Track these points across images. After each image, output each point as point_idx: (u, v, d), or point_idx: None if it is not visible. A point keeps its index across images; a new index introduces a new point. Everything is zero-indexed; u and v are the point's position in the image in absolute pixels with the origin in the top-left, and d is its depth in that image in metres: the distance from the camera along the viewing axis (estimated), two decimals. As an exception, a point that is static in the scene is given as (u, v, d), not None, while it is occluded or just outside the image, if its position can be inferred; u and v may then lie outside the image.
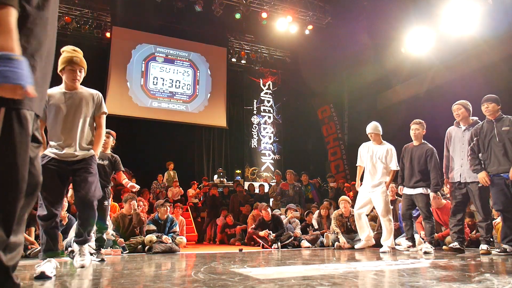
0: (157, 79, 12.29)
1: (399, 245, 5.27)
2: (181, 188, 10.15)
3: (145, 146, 11.24)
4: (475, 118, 4.47)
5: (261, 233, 6.36)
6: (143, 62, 12.13)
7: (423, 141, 4.87)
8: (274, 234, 6.26)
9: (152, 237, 5.24)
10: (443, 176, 4.64)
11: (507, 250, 3.91)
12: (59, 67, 2.82)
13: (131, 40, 12.01)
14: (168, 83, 12.45)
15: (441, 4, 9.60)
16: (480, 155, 4.13)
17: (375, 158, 5.05)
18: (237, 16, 11.35)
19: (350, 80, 13.66)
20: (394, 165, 4.98)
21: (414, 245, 4.87)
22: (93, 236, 3.36)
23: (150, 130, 11.72)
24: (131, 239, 5.36)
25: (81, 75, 2.89)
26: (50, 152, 2.79)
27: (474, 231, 5.54)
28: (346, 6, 11.76)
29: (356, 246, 5.30)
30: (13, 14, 1.04)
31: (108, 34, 11.66)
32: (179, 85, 12.61)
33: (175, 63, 12.69)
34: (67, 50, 2.81)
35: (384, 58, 12.18)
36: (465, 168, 4.29)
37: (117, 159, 4.31)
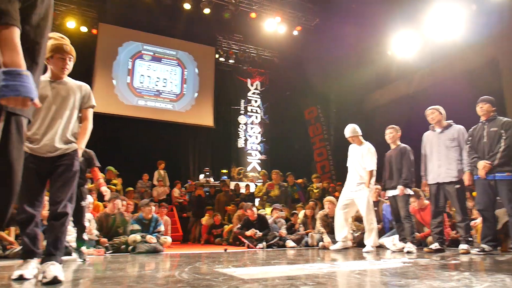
0: (144, 77, 12.17)
1: (383, 245, 5.34)
2: (166, 188, 10.08)
3: (130, 145, 11.11)
4: (450, 121, 4.62)
5: (248, 233, 6.36)
6: (130, 60, 12.00)
7: (398, 143, 5.00)
8: (260, 233, 6.27)
9: (136, 237, 5.18)
10: (415, 175, 4.80)
11: (486, 249, 4.01)
12: (46, 55, 2.58)
13: (118, 37, 11.87)
14: (155, 81, 12.35)
15: (426, 9, 9.77)
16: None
17: (355, 159, 5.13)
18: (226, 15, 11.32)
19: (337, 82, 13.76)
20: (369, 165, 5.02)
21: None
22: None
23: (136, 128, 11.58)
24: (115, 239, 5.29)
25: (71, 64, 2.71)
26: (27, 147, 2.52)
27: (455, 231, 5.65)
28: (335, 8, 11.84)
29: (331, 247, 5.24)
30: (17, 33, 1.17)
31: (94, 31, 11.49)
32: (166, 84, 12.51)
33: (163, 61, 12.59)
34: (55, 37, 2.63)
35: (371, 60, 12.32)
36: (443, 170, 4.41)
37: (91, 154, 4.17)
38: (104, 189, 3.92)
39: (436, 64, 10.84)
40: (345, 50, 12.38)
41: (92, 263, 3.62)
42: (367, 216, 4.94)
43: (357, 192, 5.02)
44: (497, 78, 9.45)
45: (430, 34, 9.97)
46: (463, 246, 4.24)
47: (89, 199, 5.46)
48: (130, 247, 5.15)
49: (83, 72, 9.97)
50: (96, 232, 5.12)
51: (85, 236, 4.12)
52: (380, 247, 5.33)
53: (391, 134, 5.01)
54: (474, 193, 6.53)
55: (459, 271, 2.64)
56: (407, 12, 10.19)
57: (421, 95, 10.96)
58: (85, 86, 2.85)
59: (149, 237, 5.23)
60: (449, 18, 9.38)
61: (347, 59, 12.71)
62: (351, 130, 5.26)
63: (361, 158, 5.07)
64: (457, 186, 4.27)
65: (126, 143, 11.05)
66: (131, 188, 8.62)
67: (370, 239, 4.88)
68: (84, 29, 11.31)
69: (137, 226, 5.40)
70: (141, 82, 12.07)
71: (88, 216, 5.27)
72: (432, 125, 4.66)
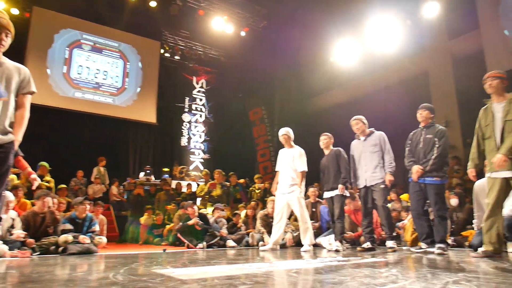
0: (82, 68, 11.49)
1: (319, 244, 5.55)
2: (103, 186, 9.62)
3: (65, 140, 10.43)
4: (371, 129, 5.00)
5: (191, 222, 6.27)
6: (67, 48, 11.27)
7: (331, 147, 5.29)
8: (201, 222, 6.25)
9: (68, 237, 4.86)
10: (353, 178, 5.07)
11: (422, 247, 4.32)
12: None
13: (54, 23, 11.09)
14: (95, 73, 11.72)
15: (366, 21, 10.35)
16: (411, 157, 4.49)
17: (286, 162, 5.28)
18: (173, 10, 11.04)
19: (282, 84, 14.08)
20: (300, 167, 5.17)
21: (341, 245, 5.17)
22: None
23: (72, 122, 10.90)
24: (43, 240, 4.92)
25: (8, 41, 2.40)
26: None
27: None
28: (282, 12, 12.10)
29: (260, 249, 5.31)
30: None
31: (27, 14, 10.62)
32: (106, 76, 11.93)
33: (104, 52, 11.99)
34: None
35: (315, 65, 12.76)
36: (368, 174, 4.75)
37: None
38: (34, 176, 3.62)
39: (375, 73, 11.53)
40: (291, 54, 12.71)
41: (16, 266, 3.34)
42: (301, 216, 5.07)
43: (290, 194, 5.14)
44: (427, 89, 10.28)
45: (370, 44, 10.58)
46: (389, 244, 4.55)
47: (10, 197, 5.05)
48: (61, 248, 4.82)
49: (12, 58, 9.20)
50: (20, 232, 4.71)
51: None
52: (317, 246, 5.53)
53: (325, 140, 5.30)
54: (402, 196, 7.03)
55: (387, 268, 2.82)
56: (349, 22, 10.73)
57: (360, 101, 11.58)
58: (24, 69, 2.57)
59: (82, 237, 4.93)
60: (387, 31, 10.03)
61: (293, 63, 13.05)
62: (286, 130, 5.42)
63: (292, 161, 5.22)
64: (382, 186, 4.61)
65: (60, 137, 10.37)
66: (63, 186, 8.08)
67: (307, 239, 5.02)
68: (15, 11, 10.37)
69: (68, 226, 5.07)
70: (79, 73, 11.38)
71: (11, 214, 4.87)
72: (357, 134, 5.02)
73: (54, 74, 10.90)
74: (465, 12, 9.34)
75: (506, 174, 3.35)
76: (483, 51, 8.89)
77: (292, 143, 5.39)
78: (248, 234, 6.58)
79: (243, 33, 12.36)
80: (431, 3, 9.39)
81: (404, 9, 9.91)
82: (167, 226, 7.79)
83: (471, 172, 3.76)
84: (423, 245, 4.33)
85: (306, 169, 5.18)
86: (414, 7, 9.82)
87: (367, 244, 4.70)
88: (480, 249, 3.56)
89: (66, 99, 10.96)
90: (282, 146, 5.49)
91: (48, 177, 8.01)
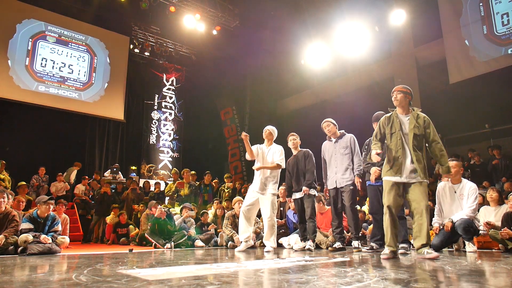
0: (46, 61, 11.04)
1: (281, 244, 5.62)
2: (67, 183, 9.29)
3: (26, 135, 9.98)
4: (342, 131, 5.12)
5: (158, 211, 6.19)
6: (30, 40, 10.79)
7: (299, 148, 5.35)
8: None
9: (28, 236, 4.66)
10: (319, 178, 5.16)
11: (374, 247, 4.48)
12: None
13: (16, 12, 10.59)
14: (60, 66, 11.29)
15: (336, 26, 10.57)
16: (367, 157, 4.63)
17: (265, 157, 5.25)
18: (144, 5, 10.81)
19: (253, 85, 14.13)
20: (278, 160, 5.13)
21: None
22: None
23: (35, 117, 10.44)
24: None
25: None
26: None
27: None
28: (254, 12, 12.15)
29: (236, 250, 5.21)
30: None
31: (-14, 2, 10.11)
32: (72, 70, 11.52)
33: (70, 45, 11.57)
34: None
35: (285, 67, 12.91)
36: (339, 175, 4.85)
37: None
38: None
39: (344, 76, 11.80)
40: (262, 55, 12.78)
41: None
42: (270, 214, 5.04)
43: (263, 192, 5.12)
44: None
45: (339, 48, 10.82)
46: (355, 244, 4.68)
47: None
48: (20, 248, 4.62)
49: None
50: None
51: None
52: (281, 246, 5.59)
53: (294, 140, 5.35)
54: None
55: (353, 267, 2.90)
56: (319, 27, 10.94)
57: (329, 103, 11.83)
58: None
59: (43, 237, 4.75)
60: (356, 36, 10.30)
61: (264, 64, 13.13)
62: (272, 127, 5.41)
63: (272, 157, 5.21)
64: (351, 187, 4.72)
65: (21, 132, 9.92)
66: (23, 183, 7.72)
67: (271, 240, 4.99)
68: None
69: (29, 225, 4.87)
70: (42, 66, 10.93)
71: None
72: (328, 136, 5.11)
73: (16, 66, 10.41)
74: (430, 21, 9.76)
75: (396, 179, 3.64)
76: (445, 59, 9.31)
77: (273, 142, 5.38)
78: (217, 234, 6.56)
79: (215, 32, 12.28)
80: (398, 11, 9.72)
81: (372, 15, 10.21)
82: (131, 227, 7.66)
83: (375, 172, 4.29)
84: (374, 245, 4.51)
85: (283, 165, 5.19)
86: (382, 14, 10.14)
87: (338, 244, 4.79)
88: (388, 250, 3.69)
89: (28, 93, 10.49)
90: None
91: (3, 175, 7.65)
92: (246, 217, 5.14)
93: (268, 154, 5.22)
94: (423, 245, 3.50)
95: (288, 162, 5.38)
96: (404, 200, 3.89)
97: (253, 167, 5.20)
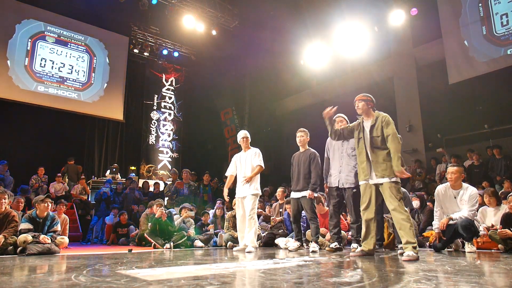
0: (45, 61, 11.03)
1: (276, 244, 5.62)
2: (65, 184, 9.28)
3: (26, 135, 9.97)
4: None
5: (158, 212, 6.20)
6: (29, 40, 10.78)
7: (307, 147, 5.23)
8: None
9: (27, 237, 4.66)
10: (323, 181, 5.08)
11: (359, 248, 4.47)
12: None
13: (15, 12, 10.58)
14: (59, 67, 11.28)
15: (335, 26, 10.57)
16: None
17: (244, 163, 5.31)
18: (142, 6, 10.80)
19: (252, 85, 14.13)
20: (257, 162, 5.22)
21: (302, 246, 5.21)
22: None
23: (34, 117, 10.43)
24: None
25: None
26: None
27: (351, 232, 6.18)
28: (254, 12, 12.14)
29: (234, 249, 5.27)
30: None
31: (-15, 2, 10.10)
32: (71, 71, 11.51)
33: (69, 46, 11.56)
34: None
35: (284, 67, 12.90)
36: (343, 175, 4.76)
37: None
38: None
39: (343, 76, 11.79)
40: (262, 55, 12.77)
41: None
42: (250, 217, 5.05)
43: (246, 193, 5.16)
44: (392, 94, 10.65)
45: (339, 49, 10.82)
46: (354, 245, 4.66)
47: None
48: (19, 249, 4.61)
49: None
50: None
51: None
52: (277, 246, 5.59)
53: (302, 137, 5.20)
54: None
55: (352, 268, 2.90)
56: (319, 27, 10.93)
57: (330, 103, 11.79)
58: None
59: (42, 237, 4.74)
60: (355, 36, 10.30)
61: (263, 64, 13.12)
62: (245, 132, 5.48)
63: (251, 161, 5.26)
64: (354, 190, 4.65)
65: (21, 133, 9.92)
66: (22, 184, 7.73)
67: (253, 240, 4.99)
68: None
69: (28, 225, 4.86)
70: (42, 66, 10.92)
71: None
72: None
73: (15, 66, 10.40)
74: (429, 21, 9.76)
75: (378, 181, 3.75)
76: (445, 59, 9.32)
77: (249, 145, 5.44)
78: (216, 234, 6.56)
79: (214, 32, 12.27)
80: (397, 11, 9.72)
81: (371, 15, 10.21)
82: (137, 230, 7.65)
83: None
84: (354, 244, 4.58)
85: (263, 166, 5.20)
86: (381, 15, 10.14)
87: (335, 245, 4.76)
88: (359, 249, 3.87)
89: (27, 93, 10.48)
90: (251, 146, 5.47)
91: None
92: (242, 222, 5.25)
93: (247, 160, 5.28)
94: (408, 243, 3.51)
95: (293, 156, 5.29)
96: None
97: (241, 181, 5.27)
